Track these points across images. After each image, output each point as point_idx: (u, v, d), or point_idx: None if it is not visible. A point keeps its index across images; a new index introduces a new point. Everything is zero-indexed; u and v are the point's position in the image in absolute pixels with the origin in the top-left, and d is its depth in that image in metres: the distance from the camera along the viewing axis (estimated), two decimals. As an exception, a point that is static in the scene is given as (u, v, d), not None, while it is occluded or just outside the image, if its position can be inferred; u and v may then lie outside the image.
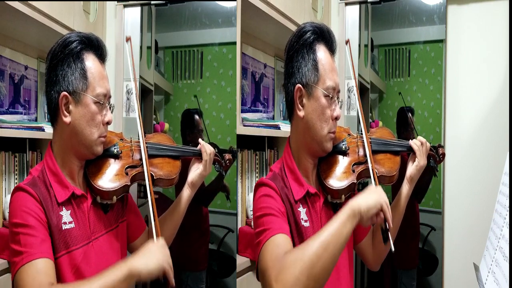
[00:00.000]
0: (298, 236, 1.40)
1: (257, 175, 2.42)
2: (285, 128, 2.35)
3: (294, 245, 1.38)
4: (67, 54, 1.36)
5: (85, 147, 1.38)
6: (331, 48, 1.47)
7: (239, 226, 2.30)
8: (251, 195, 2.37)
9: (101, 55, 1.42)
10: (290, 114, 1.50)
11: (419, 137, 1.57)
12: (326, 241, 1.23)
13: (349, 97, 2.49)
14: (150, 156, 1.52)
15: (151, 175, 1.49)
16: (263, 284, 1.30)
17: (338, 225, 1.25)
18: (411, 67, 2.47)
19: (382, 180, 1.52)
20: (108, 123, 1.40)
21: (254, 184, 2.40)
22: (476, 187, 2.27)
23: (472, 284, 1.56)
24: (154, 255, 1.27)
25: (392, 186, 1.59)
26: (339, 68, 2.50)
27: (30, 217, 1.28)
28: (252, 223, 1.49)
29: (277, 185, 1.41)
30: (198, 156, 1.58)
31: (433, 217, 2.38)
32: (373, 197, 1.30)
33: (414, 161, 1.55)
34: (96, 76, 1.38)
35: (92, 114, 1.37)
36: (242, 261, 2.20)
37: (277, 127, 2.38)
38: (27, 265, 1.24)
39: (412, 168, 1.55)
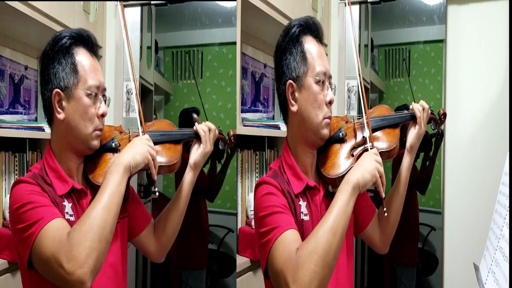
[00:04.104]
0: (297, 225, 1.40)
1: (257, 175, 2.42)
2: (285, 128, 2.35)
3: None
4: (57, 51, 1.36)
5: (81, 142, 1.38)
6: (318, 36, 1.46)
7: (239, 226, 2.30)
8: (251, 195, 2.37)
9: (92, 49, 1.41)
10: (284, 114, 1.49)
11: (422, 102, 1.54)
12: (335, 225, 1.24)
13: (349, 97, 2.49)
14: None
15: None
16: (278, 286, 1.27)
17: (342, 206, 1.27)
18: (411, 67, 2.47)
19: (382, 156, 1.47)
20: (102, 115, 1.39)
21: (254, 184, 2.40)
22: (476, 187, 2.27)
23: (472, 284, 1.56)
24: (139, 147, 1.36)
25: (391, 178, 1.58)
26: (340, 68, 2.51)
27: (33, 195, 1.27)
28: (253, 223, 1.48)
29: (279, 181, 1.40)
30: (199, 137, 1.56)
31: (433, 217, 2.38)
32: (368, 168, 1.33)
33: (415, 127, 1.53)
34: (87, 69, 1.37)
35: (85, 107, 1.36)
36: (242, 261, 2.21)
37: (277, 127, 2.38)
38: (44, 229, 1.21)
39: (412, 137, 1.53)
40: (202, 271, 2.33)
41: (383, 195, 1.37)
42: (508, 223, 1.31)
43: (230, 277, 2.25)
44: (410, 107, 1.54)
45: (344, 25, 2.52)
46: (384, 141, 1.50)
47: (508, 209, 1.34)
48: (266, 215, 1.35)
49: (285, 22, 2.32)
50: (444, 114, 1.62)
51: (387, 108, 1.60)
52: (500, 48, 2.24)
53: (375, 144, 1.48)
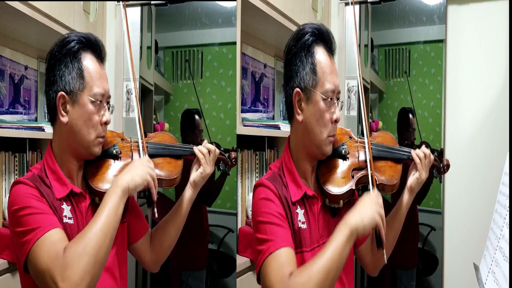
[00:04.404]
0: (295, 237, 1.40)
1: (257, 175, 2.42)
2: (285, 128, 2.36)
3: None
4: (65, 54, 1.36)
5: (83, 147, 1.38)
6: (330, 49, 1.45)
7: (239, 226, 2.30)
8: (251, 195, 2.37)
9: (99, 55, 1.41)
10: (289, 116, 1.49)
11: (423, 148, 1.51)
12: (328, 266, 1.25)
13: (349, 97, 2.49)
14: (151, 156, 1.50)
15: None
16: None
17: (338, 249, 1.26)
18: (411, 67, 2.47)
19: (382, 188, 1.47)
20: (106, 123, 1.39)
21: (254, 184, 2.40)
22: (476, 187, 2.27)
23: (472, 284, 1.56)
24: (139, 169, 1.35)
25: (392, 194, 1.56)
26: (339, 68, 2.51)
27: (32, 200, 1.27)
28: (252, 223, 1.48)
29: (276, 186, 1.40)
30: None
31: (433, 217, 2.38)
32: (368, 214, 1.31)
33: (416, 171, 1.50)
34: (94, 76, 1.37)
35: (89, 114, 1.36)
36: (242, 261, 2.20)
37: (277, 127, 2.38)
38: (41, 240, 1.22)
39: (413, 180, 1.50)
40: (202, 271, 2.33)
41: (384, 238, 1.35)
42: (508, 223, 1.31)
43: (230, 277, 2.25)
44: (412, 153, 1.50)
45: (344, 25, 2.52)
46: (385, 173, 1.49)
47: (508, 209, 1.34)
48: (262, 222, 1.36)
49: (285, 22, 2.33)
50: (448, 166, 1.59)
51: (391, 138, 1.58)
52: (500, 48, 2.24)
53: (376, 174, 1.46)
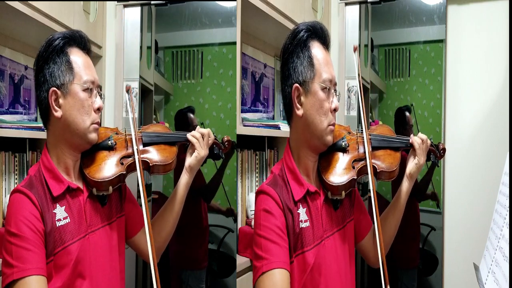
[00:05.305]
0: (296, 239, 1.41)
1: (257, 175, 2.42)
2: (285, 128, 2.36)
3: (291, 247, 1.40)
4: (51, 52, 1.39)
5: (79, 136, 1.39)
6: (325, 43, 1.49)
7: (239, 226, 2.30)
8: (251, 195, 2.38)
9: (84, 47, 1.45)
10: (288, 116, 1.50)
11: (420, 134, 1.56)
12: None
13: (349, 97, 2.49)
14: (145, 145, 1.53)
15: (147, 162, 1.50)
16: None
17: None
18: (411, 67, 2.47)
19: (382, 175, 1.52)
20: (98, 109, 1.42)
21: (254, 184, 2.40)
22: (476, 187, 2.27)
23: (472, 284, 1.56)
24: None
25: (392, 182, 1.60)
26: (340, 68, 2.51)
27: (25, 227, 1.28)
28: (253, 223, 1.49)
29: (277, 191, 1.41)
30: None
31: (433, 217, 2.38)
32: None
33: (414, 157, 1.55)
34: (82, 66, 1.40)
35: (82, 101, 1.38)
36: (242, 261, 2.21)
37: (277, 127, 2.38)
38: (19, 282, 1.24)
39: (411, 166, 1.55)
40: (202, 271, 2.33)
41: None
42: (508, 223, 1.31)
43: (230, 277, 2.25)
44: (410, 140, 1.56)
45: (344, 25, 2.52)
46: (385, 161, 1.53)
47: (508, 209, 1.33)
48: (261, 236, 1.39)
49: (285, 22, 2.33)
50: (444, 149, 1.64)
51: (389, 129, 1.63)
52: (500, 48, 2.24)
53: (376, 162, 1.51)
